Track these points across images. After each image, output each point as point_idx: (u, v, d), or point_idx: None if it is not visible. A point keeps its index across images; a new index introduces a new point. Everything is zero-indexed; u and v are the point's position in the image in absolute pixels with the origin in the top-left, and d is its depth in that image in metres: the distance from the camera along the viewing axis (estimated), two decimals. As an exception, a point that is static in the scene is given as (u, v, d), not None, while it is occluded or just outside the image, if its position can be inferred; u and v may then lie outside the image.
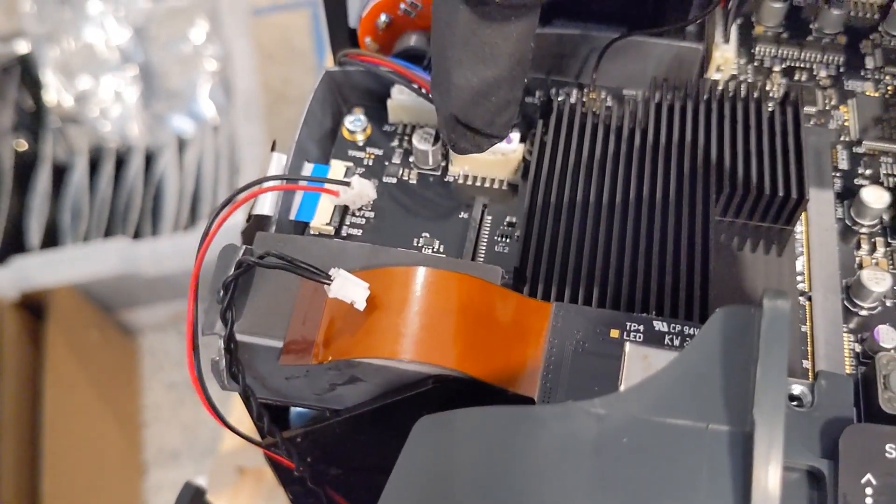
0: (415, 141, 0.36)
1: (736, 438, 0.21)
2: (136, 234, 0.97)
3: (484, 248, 0.34)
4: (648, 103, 0.36)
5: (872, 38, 0.42)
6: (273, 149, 0.35)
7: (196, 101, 1.03)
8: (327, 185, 0.34)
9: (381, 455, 0.26)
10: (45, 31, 1.02)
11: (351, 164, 0.37)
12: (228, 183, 0.98)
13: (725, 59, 0.40)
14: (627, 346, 0.27)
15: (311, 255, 0.29)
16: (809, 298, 0.33)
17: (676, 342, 0.27)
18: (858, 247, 0.34)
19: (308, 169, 0.35)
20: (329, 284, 0.27)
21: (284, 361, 0.28)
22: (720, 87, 0.36)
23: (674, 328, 0.28)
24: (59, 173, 1.01)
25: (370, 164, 0.37)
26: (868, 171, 0.37)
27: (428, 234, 0.35)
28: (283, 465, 0.31)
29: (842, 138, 0.38)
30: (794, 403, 0.24)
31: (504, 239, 0.35)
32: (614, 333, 0.27)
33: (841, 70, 0.41)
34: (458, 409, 0.24)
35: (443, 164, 0.37)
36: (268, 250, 0.28)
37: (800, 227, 0.35)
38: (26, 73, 1.02)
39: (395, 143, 0.38)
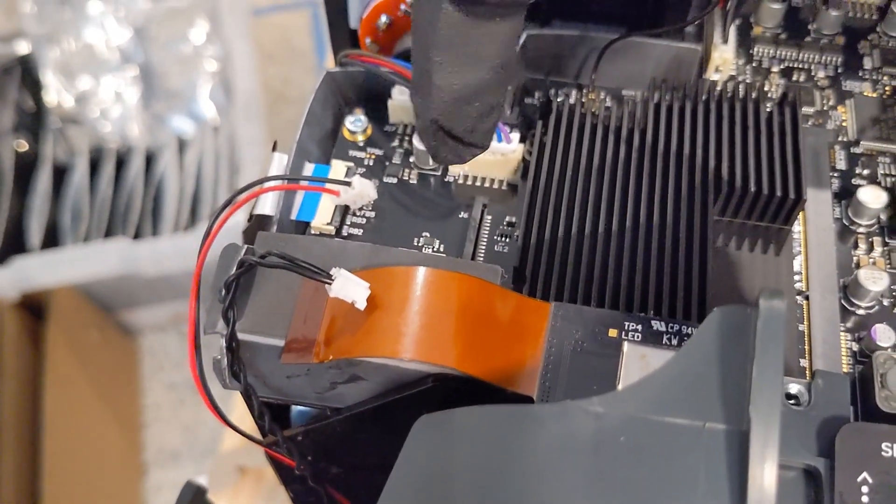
0: (415, 141, 0.36)
1: (733, 437, 0.21)
2: (137, 235, 0.97)
3: (484, 247, 0.34)
4: (647, 104, 0.36)
5: (870, 38, 0.42)
6: (274, 149, 0.35)
7: (196, 102, 1.03)
8: (328, 185, 0.34)
9: (381, 453, 0.26)
10: (46, 32, 1.02)
11: (352, 164, 0.37)
12: (229, 183, 0.99)
13: (724, 60, 0.40)
14: (626, 345, 0.27)
15: (312, 254, 0.29)
16: (807, 298, 0.33)
17: (674, 342, 0.28)
18: (856, 246, 0.35)
19: (309, 169, 0.36)
20: (330, 284, 0.27)
21: (286, 360, 0.28)
22: (719, 88, 0.36)
23: (672, 328, 0.28)
24: (60, 174, 1.01)
25: (371, 164, 0.37)
26: (866, 172, 0.37)
27: (428, 234, 0.35)
28: (284, 463, 0.31)
29: (840, 138, 0.38)
30: (792, 402, 0.25)
31: (504, 239, 0.35)
32: (613, 333, 0.28)
33: (839, 70, 0.41)
34: (457, 408, 0.24)
35: (443, 164, 0.37)
36: (269, 250, 0.28)
37: (798, 227, 0.35)
38: (26, 73, 1.03)
39: (396, 143, 0.38)
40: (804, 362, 0.31)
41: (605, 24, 0.38)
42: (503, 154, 0.35)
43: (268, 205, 0.33)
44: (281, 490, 0.35)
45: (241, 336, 0.28)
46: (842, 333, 0.32)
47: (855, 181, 0.37)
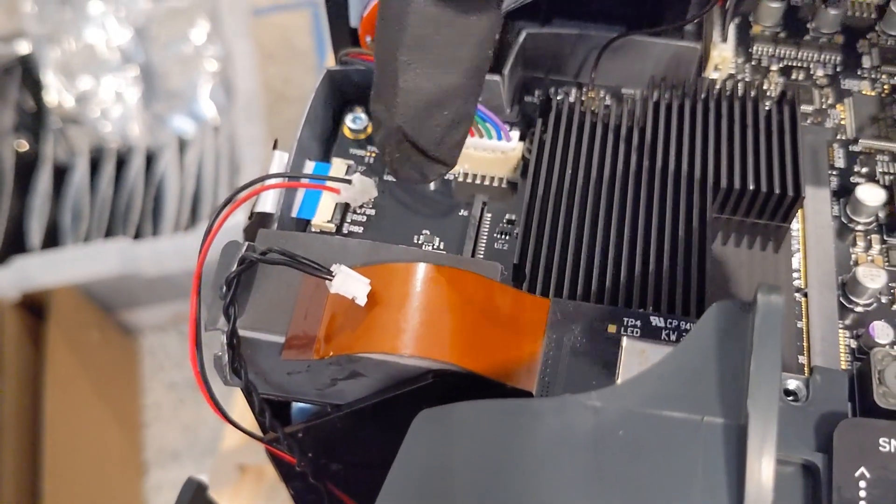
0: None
1: (731, 431, 0.21)
2: (137, 235, 0.97)
3: (484, 244, 0.35)
4: (647, 102, 0.36)
5: (869, 37, 0.42)
6: (275, 147, 0.35)
7: (196, 102, 1.03)
8: (329, 183, 0.34)
9: (381, 450, 0.26)
10: (46, 32, 1.02)
11: (352, 162, 0.37)
12: (229, 183, 0.99)
13: (723, 59, 0.40)
14: (624, 340, 0.27)
15: (312, 251, 0.29)
16: (805, 295, 0.33)
17: (673, 337, 0.28)
18: (854, 244, 0.35)
19: (309, 167, 0.36)
20: (330, 280, 0.27)
21: (286, 357, 0.28)
22: (718, 86, 0.37)
23: (670, 323, 0.28)
24: (60, 174, 1.01)
25: (371, 161, 0.37)
26: (864, 170, 0.37)
27: (428, 232, 0.35)
28: (285, 460, 0.31)
29: (838, 137, 0.38)
30: (790, 398, 0.25)
31: (503, 236, 0.35)
32: (612, 328, 0.28)
33: (838, 69, 0.41)
34: (457, 403, 0.24)
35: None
36: (270, 247, 0.28)
37: (796, 225, 0.35)
38: (27, 73, 1.03)
39: (396, 141, 0.38)
40: (803, 359, 0.31)
41: (604, 23, 0.38)
42: (503, 152, 0.35)
43: (268, 203, 0.33)
44: (281, 488, 0.35)
45: (241, 332, 0.28)
46: (840, 330, 0.32)
47: (853, 179, 0.37)
